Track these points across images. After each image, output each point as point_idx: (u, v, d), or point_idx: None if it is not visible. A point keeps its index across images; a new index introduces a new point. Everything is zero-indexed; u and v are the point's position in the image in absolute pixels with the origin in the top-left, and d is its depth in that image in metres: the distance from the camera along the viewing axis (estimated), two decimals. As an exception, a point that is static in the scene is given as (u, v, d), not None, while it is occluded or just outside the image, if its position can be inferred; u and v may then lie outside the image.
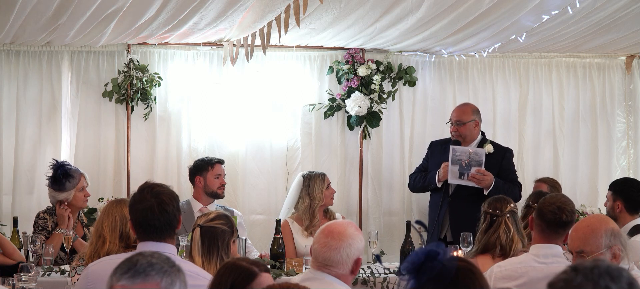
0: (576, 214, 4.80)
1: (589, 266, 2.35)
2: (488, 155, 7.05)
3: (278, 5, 6.32)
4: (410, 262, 2.77)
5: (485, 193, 6.92)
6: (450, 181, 7.03)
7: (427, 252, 2.76)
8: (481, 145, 7.13)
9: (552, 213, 4.58)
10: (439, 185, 7.10)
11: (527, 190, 7.32)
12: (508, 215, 5.40)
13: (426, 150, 7.44)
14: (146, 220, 3.93)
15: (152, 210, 3.92)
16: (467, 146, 7.05)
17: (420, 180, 7.28)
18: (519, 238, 5.40)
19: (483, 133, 7.26)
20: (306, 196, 6.85)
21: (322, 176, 6.93)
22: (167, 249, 3.87)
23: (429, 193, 7.37)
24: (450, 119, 7.20)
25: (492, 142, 7.21)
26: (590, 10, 6.73)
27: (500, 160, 7.12)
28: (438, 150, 7.26)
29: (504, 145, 7.47)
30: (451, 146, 7.02)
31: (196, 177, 6.91)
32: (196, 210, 6.78)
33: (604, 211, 7.00)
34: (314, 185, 6.85)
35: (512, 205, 5.49)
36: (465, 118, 7.11)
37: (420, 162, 7.46)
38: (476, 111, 7.22)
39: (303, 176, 6.96)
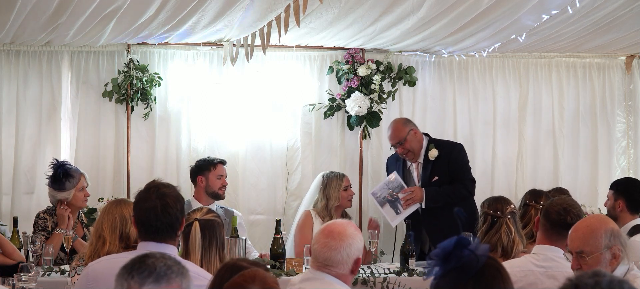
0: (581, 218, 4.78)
1: (591, 283, 2.28)
2: (434, 160, 7.00)
3: (278, 5, 6.32)
4: (441, 248, 2.73)
5: (423, 206, 6.92)
6: (393, 224, 7.04)
7: (457, 240, 2.73)
8: (428, 149, 7.06)
9: (557, 214, 4.57)
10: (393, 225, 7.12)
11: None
12: (509, 216, 5.38)
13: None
14: (148, 220, 3.93)
15: (155, 210, 3.92)
16: (381, 183, 7.04)
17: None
18: (520, 239, 5.39)
19: (427, 135, 7.19)
20: (323, 195, 6.91)
21: (340, 177, 6.97)
22: (168, 250, 3.87)
23: None
24: (390, 144, 7.10)
25: (437, 144, 7.12)
26: (589, 9, 6.73)
27: (447, 161, 7.05)
28: (393, 168, 7.21)
29: (503, 144, 7.49)
30: (370, 194, 7.07)
31: (198, 177, 6.92)
32: (196, 210, 6.78)
33: (604, 211, 6.99)
34: (330, 185, 6.91)
35: (512, 206, 5.46)
36: (402, 135, 7.00)
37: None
38: (407, 121, 7.14)
39: (322, 176, 7.02)
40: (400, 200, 6.93)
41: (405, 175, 7.12)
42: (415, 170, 7.12)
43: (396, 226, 7.16)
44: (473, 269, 2.69)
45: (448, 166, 7.01)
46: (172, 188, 4.06)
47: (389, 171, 7.27)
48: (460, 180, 7.03)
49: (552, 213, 4.59)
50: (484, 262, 2.71)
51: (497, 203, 5.43)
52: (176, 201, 3.99)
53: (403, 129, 7.01)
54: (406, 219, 6.82)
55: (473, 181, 7.12)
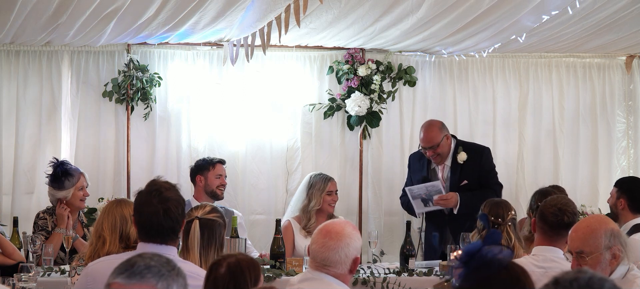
0: (578, 215, 4.79)
1: (570, 278, 2.30)
2: (464, 162, 6.90)
3: (278, 5, 6.31)
4: (465, 251, 2.70)
5: (455, 212, 6.81)
6: (418, 212, 6.97)
7: (483, 242, 2.71)
8: (456, 151, 6.97)
9: (554, 215, 4.58)
10: (419, 217, 7.06)
11: (527, 194, 7.22)
12: (509, 223, 5.38)
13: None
14: (150, 224, 3.92)
15: (157, 215, 3.91)
16: (421, 185, 6.89)
17: (406, 206, 7.20)
18: (519, 244, 5.38)
19: (454, 137, 7.10)
20: (306, 196, 6.84)
21: (326, 180, 6.84)
22: (168, 251, 3.86)
23: None
24: (422, 146, 6.96)
25: (465, 146, 7.01)
26: (590, 10, 6.72)
27: (479, 163, 6.96)
28: (416, 166, 7.13)
29: (503, 144, 7.47)
30: (406, 189, 6.97)
31: (197, 176, 6.93)
32: (196, 210, 6.77)
33: (604, 210, 6.98)
34: (314, 186, 6.82)
35: (512, 213, 5.46)
36: (437, 140, 6.86)
37: (405, 180, 7.35)
38: (442, 126, 6.97)
39: (310, 176, 6.95)
40: (434, 201, 6.83)
41: (430, 174, 6.99)
42: (440, 171, 6.99)
43: (396, 227, 7.14)
44: (497, 270, 2.65)
45: (478, 171, 6.92)
46: (174, 191, 4.04)
47: (411, 169, 7.19)
48: (488, 184, 6.94)
49: (548, 215, 4.59)
50: (506, 263, 2.68)
51: (499, 208, 5.41)
52: (178, 205, 3.98)
53: (438, 135, 6.87)
54: (407, 221, 6.81)
55: (501, 186, 7.05)
